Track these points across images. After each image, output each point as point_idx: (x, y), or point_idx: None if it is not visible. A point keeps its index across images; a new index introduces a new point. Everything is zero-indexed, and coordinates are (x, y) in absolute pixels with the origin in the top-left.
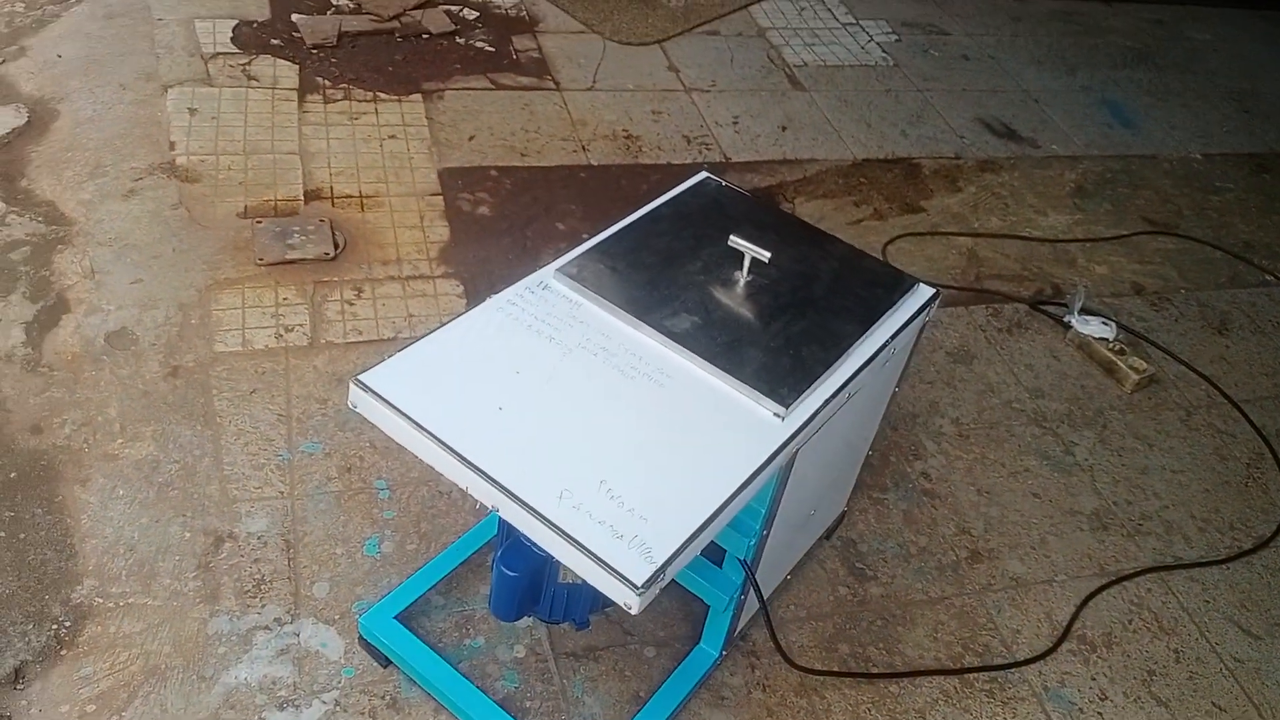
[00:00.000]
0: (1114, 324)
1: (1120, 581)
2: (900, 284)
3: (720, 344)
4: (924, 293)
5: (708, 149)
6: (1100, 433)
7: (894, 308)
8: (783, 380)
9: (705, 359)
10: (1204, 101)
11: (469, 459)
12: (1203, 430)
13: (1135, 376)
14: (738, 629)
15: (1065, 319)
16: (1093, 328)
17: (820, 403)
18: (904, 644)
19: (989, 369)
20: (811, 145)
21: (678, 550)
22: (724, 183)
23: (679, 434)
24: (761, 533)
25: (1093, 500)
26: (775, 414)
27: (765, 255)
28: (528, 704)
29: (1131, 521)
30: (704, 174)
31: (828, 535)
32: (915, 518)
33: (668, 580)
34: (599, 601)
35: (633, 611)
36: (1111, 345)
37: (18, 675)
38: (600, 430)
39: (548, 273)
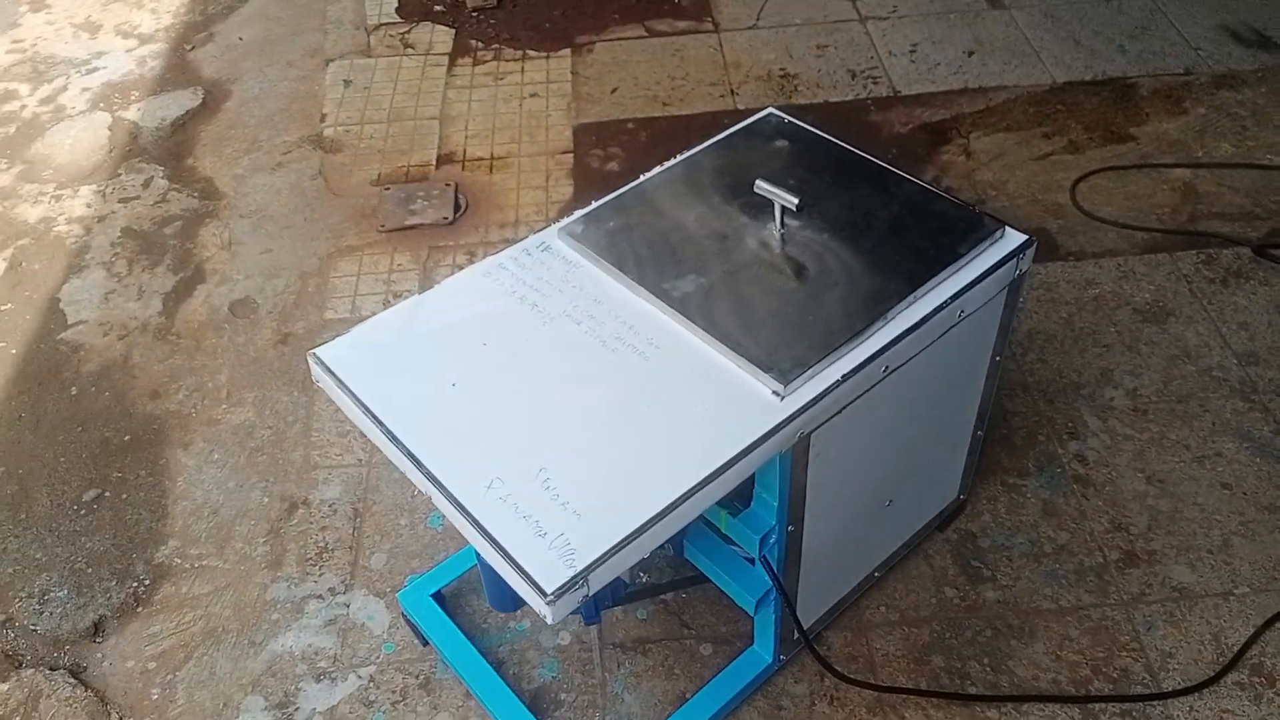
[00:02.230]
0: None
1: None
2: (977, 230)
3: (726, 310)
4: (1013, 239)
5: (875, 83)
6: None
7: (960, 260)
8: (788, 352)
9: (702, 327)
10: None
11: (403, 441)
12: None
13: None
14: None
15: None
16: None
17: (837, 378)
18: (1015, 661)
19: (1188, 329)
20: (1001, 71)
21: (605, 555)
22: (788, 118)
23: (651, 415)
24: (784, 528)
25: None
26: (774, 392)
27: (793, 202)
28: (562, 696)
29: None
30: (769, 109)
31: (941, 527)
32: (1058, 509)
33: (594, 590)
34: (612, 594)
35: (549, 622)
36: None
37: (97, 629)
38: (557, 410)
39: (552, 232)
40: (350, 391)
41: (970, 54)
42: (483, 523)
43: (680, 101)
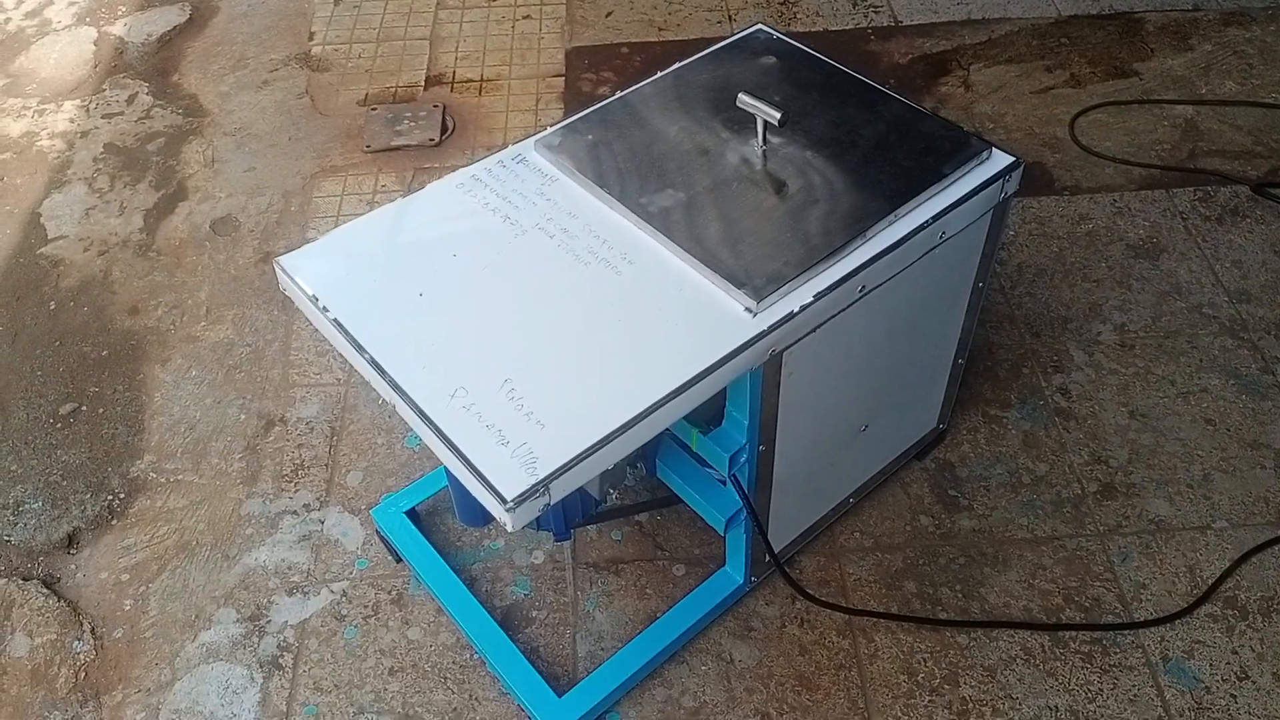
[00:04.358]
0: None
1: None
2: (963, 150)
3: (702, 225)
4: (1000, 160)
5: (876, 11)
6: None
7: (944, 180)
8: (763, 268)
9: (677, 242)
10: None
11: (367, 349)
12: None
13: None
14: (778, 553)
15: None
16: None
17: (811, 296)
18: (987, 588)
19: (1181, 265)
20: (1006, 2)
21: (567, 464)
22: (776, 34)
23: (620, 329)
24: (754, 447)
25: None
26: (747, 308)
27: (775, 116)
28: (534, 614)
29: None
30: (758, 25)
31: (920, 455)
32: (1038, 440)
33: (555, 499)
34: (582, 511)
35: (509, 529)
36: None
37: (71, 540)
38: (525, 322)
39: (529, 144)
40: (315, 300)
41: None
42: (445, 431)
43: (677, 26)
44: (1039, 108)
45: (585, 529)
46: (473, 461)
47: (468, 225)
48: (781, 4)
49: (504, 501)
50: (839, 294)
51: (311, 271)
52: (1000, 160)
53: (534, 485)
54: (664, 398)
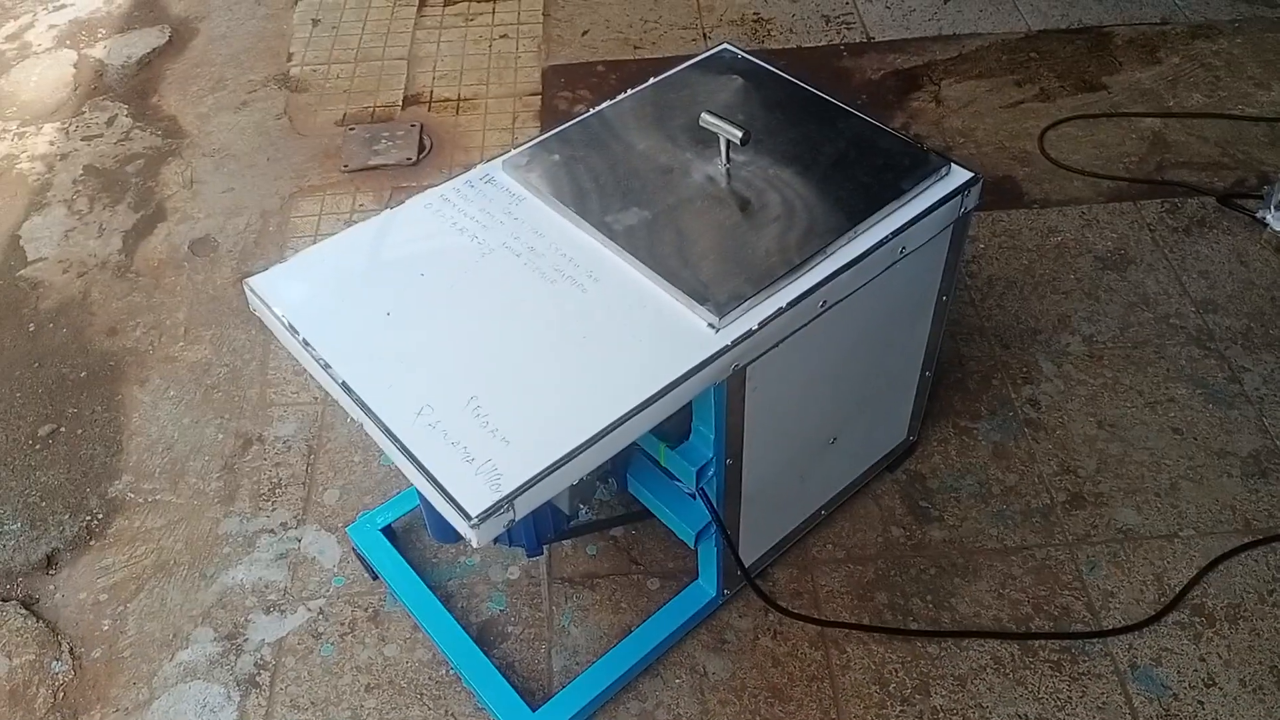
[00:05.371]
0: None
1: (1269, 542)
2: (922, 166)
3: (666, 243)
4: (958, 176)
5: (848, 29)
6: None
7: (903, 196)
8: (725, 285)
9: (641, 260)
10: None
11: (334, 369)
12: None
13: None
14: (750, 566)
15: (1259, 214)
16: None
17: (773, 311)
18: (958, 598)
19: (1148, 277)
20: (977, 18)
21: (531, 480)
22: (741, 53)
23: (585, 346)
24: (721, 461)
25: (1255, 440)
26: (710, 324)
27: (737, 135)
28: (509, 629)
29: None
30: (724, 45)
31: (891, 467)
32: (1008, 452)
33: (520, 515)
34: (554, 526)
35: (474, 545)
36: None
37: (50, 561)
38: (491, 340)
39: (496, 165)
40: (283, 320)
41: (946, 0)
42: (410, 449)
43: (652, 45)
44: (1009, 122)
45: (561, 544)
46: (438, 478)
47: (435, 245)
48: (755, 21)
49: (468, 518)
50: (800, 309)
51: (281, 292)
52: (959, 176)
53: (498, 501)
54: (626, 414)
